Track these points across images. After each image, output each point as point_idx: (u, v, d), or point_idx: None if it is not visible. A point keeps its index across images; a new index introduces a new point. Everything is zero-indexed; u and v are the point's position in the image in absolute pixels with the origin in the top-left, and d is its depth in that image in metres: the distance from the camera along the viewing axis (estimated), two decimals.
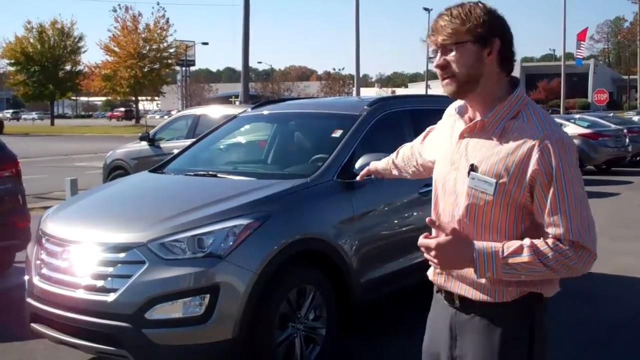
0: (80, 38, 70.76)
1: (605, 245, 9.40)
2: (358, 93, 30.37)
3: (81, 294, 4.36)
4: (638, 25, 68.78)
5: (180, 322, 4.25)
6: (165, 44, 65.76)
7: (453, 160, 2.43)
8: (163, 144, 12.93)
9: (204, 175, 5.57)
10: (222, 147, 6.49)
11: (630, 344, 5.63)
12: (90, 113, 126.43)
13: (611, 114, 27.76)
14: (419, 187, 5.78)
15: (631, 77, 76.54)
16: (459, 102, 2.50)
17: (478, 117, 2.36)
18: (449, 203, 2.47)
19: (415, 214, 5.82)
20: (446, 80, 2.33)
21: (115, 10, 64.98)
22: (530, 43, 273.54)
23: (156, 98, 79.84)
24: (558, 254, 2.19)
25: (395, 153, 3.26)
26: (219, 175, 5.51)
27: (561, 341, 5.58)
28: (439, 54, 2.32)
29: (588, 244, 2.24)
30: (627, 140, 20.42)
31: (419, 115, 6.28)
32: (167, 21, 65.19)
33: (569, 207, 2.22)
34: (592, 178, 18.56)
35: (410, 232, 5.74)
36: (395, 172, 3.30)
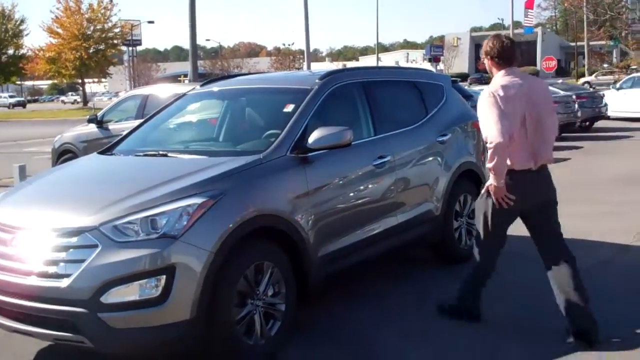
0: (22, 21, 69.36)
1: None
2: (309, 67, 30.20)
3: (34, 281, 4.27)
4: None
5: (137, 305, 4.19)
6: (109, 24, 64.63)
7: None
8: (112, 126, 12.71)
9: (154, 155, 5.47)
10: (171, 126, 6.37)
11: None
12: (37, 97, 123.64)
13: (560, 80, 28.15)
14: (373, 159, 5.77)
15: (579, 43, 77.50)
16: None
17: None
18: None
19: (370, 186, 5.82)
20: None
21: None
22: (480, 12, 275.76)
23: (103, 80, 78.36)
24: None
25: None
26: (169, 154, 5.41)
27: (504, 303, 5.66)
28: None
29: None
30: (576, 106, 20.71)
31: (372, 87, 6.28)
32: (111, 0, 64.02)
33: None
34: None
35: (366, 204, 5.76)
36: None
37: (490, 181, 4.90)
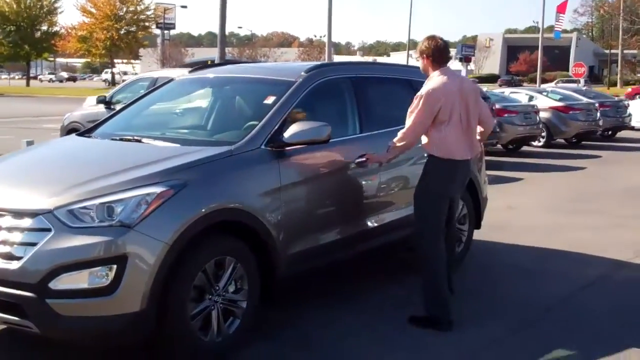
0: None
1: (559, 220, 9.38)
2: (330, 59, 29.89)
3: None
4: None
5: (86, 293, 4.06)
6: (142, 6, 64.87)
7: None
8: (119, 107, 12.62)
9: (129, 140, 5.33)
10: (154, 111, 6.23)
11: (558, 324, 5.46)
12: (75, 75, 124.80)
13: (584, 87, 27.66)
14: (356, 157, 5.59)
15: (613, 51, 76.47)
16: None
17: None
18: None
19: (350, 185, 5.64)
20: None
21: None
22: (515, 15, 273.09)
23: (132, 61, 78.69)
24: None
25: None
26: (143, 140, 5.26)
27: (490, 321, 5.47)
28: None
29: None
30: (598, 114, 20.29)
31: (361, 83, 6.08)
32: None
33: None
34: (560, 151, 18.52)
35: (345, 203, 5.58)
36: None
37: (380, 157, 5.51)
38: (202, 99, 6.27)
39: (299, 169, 5.16)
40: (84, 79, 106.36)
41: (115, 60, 71.63)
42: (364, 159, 5.55)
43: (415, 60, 5.77)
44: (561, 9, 47.33)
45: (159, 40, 74.49)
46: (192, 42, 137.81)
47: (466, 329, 5.27)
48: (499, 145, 17.35)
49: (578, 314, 5.72)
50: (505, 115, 17.05)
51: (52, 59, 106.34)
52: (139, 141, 5.26)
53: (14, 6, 66.52)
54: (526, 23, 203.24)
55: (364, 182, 5.74)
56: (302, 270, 5.18)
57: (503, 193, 11.55)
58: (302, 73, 5.57)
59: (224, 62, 6.83)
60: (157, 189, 4.25)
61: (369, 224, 5.82)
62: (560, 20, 48.12)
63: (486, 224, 7.38)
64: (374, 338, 5.11)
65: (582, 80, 46.03)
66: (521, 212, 10.06)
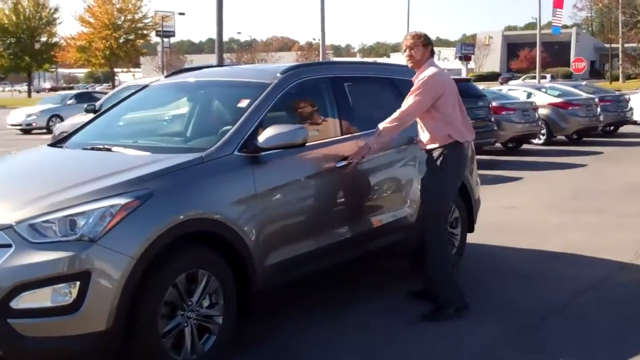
0: (56, 9, 70.06)
1: (558, 220, 9.13)
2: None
3: None
4: None
5: (49, 312, 3.85)
6: (140, 14, 64.80)
7: None
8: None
9: (99, 149, 5.12)
10: (129, 118, 6.02)
11: (556, 331, 5.22)
12: (72, 85, 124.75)
13: (584, 83, 27.36)
14: (337, 160, 5.36)
15: (614, 45, 76.08)
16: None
17: None
18: None
19: (332, 190, 5.40)
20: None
21: None
22: (515, 12, 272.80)
23: (132, 69, 78.62)
24: None
25: None
26: (113, 149, 5.05)
27: (483, 329, 5.24)
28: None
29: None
30: (599, 109, 19.96)
31: (342, 83, 5.85)
32: None
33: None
34: (560, 149, 18.23)
35: (326, 209, 5.35)
36: None
37: (369, 143, 5.40)
38: (177, 105, 6.06)
39: (275, 174, 4.92)
40: (87, 88, 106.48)
41: (116, 69, 71.59)
42: (346, 162, 5.36)
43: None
44: (558, 4, 47.02)
45: (159, 48, 74.45)
46: (193, 49, 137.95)
47: (460, 336, 5.05)
48: (498, 144, 17.10)
49: (577, 319, 5.47)
50: (503, 112, 16.74)
51: (53, 70, 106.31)
52: (109, 150, 5.05)
53: (13, 18, 66.57)
54: (526, 20, 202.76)
55: (346, 187, 5.51)
56: (282, 282, 4.95)
57: (501, 193, 11.33)
58: (278, 75, 5.34)
59: (199, 67, 6.53)
60: (121, 200, 4.04)
61: (357, 229, 5.57)
62: (558, 16, 47.83)
63: (482, 225, 7.15)
64: (359, 349, 4.88)
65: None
66: (519, 213, 9.82)
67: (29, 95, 70.92)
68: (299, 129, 4.83)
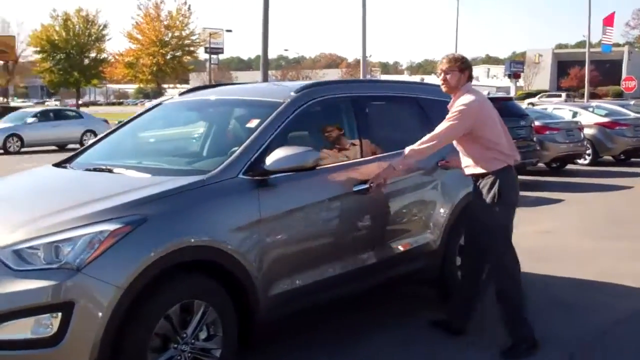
0: (105, 26, 70.57)
1: (596, 246, 8.65)
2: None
3: None
4: None
5: (29, 344, 3.62)
6: (187, 31, 65.35)
7: None
8: None
9: (101, 170, 4.90)
10: (138, 138, 5.80)
11: None
12: (122, 100, 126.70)
13: (632, 102, 26.56)
14: (354, 184, 5.06)
15: None
16: None
17: None
18: None
19: (347, 215, 5.07)
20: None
21: None
22: (566, 30, 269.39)
23: (178, 86, 79.47)
24: None
25: None
26: (114, 170, 4.82)
27: None
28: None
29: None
30: None
31: (362, 103, 5.55)
32: (189, 8, 64.66)
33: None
34: (606, 169, 17.60)
35: (340, 236, 5.01)
36: None
37: (394, 164, 5.06)
38: (188, 124, 5.81)
39: (284, 199, 4.62)
40: (136, 104, 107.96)
41: (164, 85, 72.33)
42: (367, 185, 5.05)
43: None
44: (608, 22, 46.03)
45: (207, 64, 75.06)
46: (242, 66, 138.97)
47: None
48: (541, 164, 16.60)
49: (612, 352, 5.12)
50: (547, 132, 16.33)
51: (102, 85, 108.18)
52: (110, 171, 4.82)
53: (63, 34, 67.64)
54: (577, 38, 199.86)
55: (362, 213, 5.18)
56: (289, 312, 4.64)
57: (540, 216, 10.89)
58: (292, 93, 5.04)
59: (214, 84, 6.28)
60: (110, 226, 3.79)
61: (373, 257, 5.23)
62: (608, 34, 46.83)
63: (518, 250, 6.76)
64: None
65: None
66: (557, 237, 9.35)
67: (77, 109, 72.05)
68: (309, 151, 4.54)
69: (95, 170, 4.92)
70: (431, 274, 5.78)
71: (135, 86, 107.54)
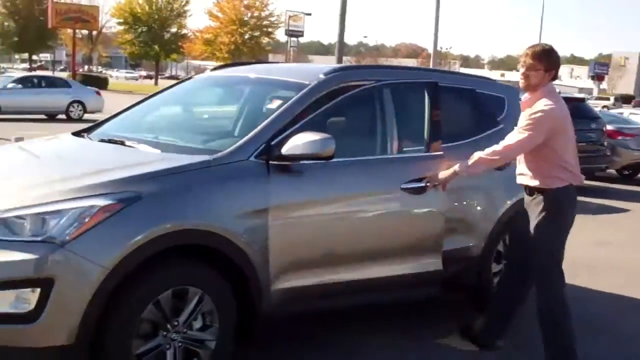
0: (187, 2, 71.64)
1: None
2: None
3: None
4: None
5: (7, 319, 3.43)
6: (266, 12, 65.61)
7: None
8: None
9: (114, 142, 4.68)
10: (162, 111, 5.56)
11: None
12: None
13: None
14: (402, 181, 4.70)
15: None
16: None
17: None
18: None
19: (370, 218, 4.68)
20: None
21: None
22: None
23: None
24: None
25: None
26: (126, 143, 4.59)
27: None
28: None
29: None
30: None
31: (401, 91, 5.16)
32: None
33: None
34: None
35: (357, 241, 4.61)
36: None
37: (457, 169, 4.62)
38: (215, 100, 5.55)
39: (301, 188, 4.30)
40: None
41: None
42: (424, 183, 4.69)
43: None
44: None
45: (287, 46, 75.24)
46: (322, 50, 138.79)
47: None
48: (611, 170, 15.77)
49: None
50: (619, 137, 15.53)
51: (182, 60, 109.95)
52: (122, 143, 4.60)
53: (146, 7, 68.99)
54: None
55: (390, 216, 4.78)
56: (295, 311, 4.35)
57: (600, 225, 10.30)
58: (321, 75, 4.69)
59: (248, 62, 6.00)
60: (100, 202, 3.57)
61: (403, 263, 4.83)
62: None
63: (568, 261, 6.29)
64: None
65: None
66: (611, 250, 8.77)
67: (156, 83, 73.25)
68: (325, 139, 4.14)
69: (109, 141, 4.72)
70: (468, 280, 5.39)
71: (215, 64, 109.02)
